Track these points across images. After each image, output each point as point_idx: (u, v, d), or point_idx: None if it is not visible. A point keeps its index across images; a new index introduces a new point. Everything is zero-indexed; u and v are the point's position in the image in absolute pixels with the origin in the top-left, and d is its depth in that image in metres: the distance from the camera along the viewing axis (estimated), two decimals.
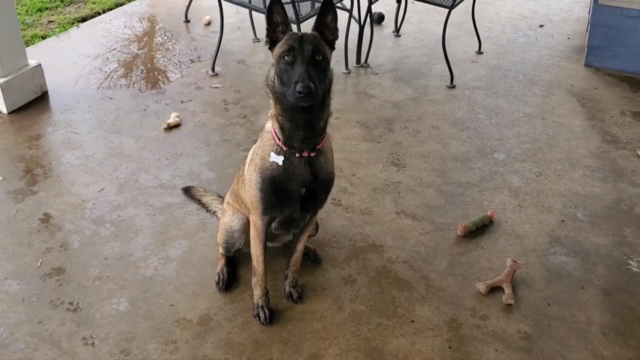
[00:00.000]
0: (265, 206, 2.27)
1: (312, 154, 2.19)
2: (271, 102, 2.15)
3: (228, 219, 2.61)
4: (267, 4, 2.09)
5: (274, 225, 2.40)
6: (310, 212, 2.40)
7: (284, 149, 2.17)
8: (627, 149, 3.76)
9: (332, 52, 2.17)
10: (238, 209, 2.57)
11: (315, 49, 2.03)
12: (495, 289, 2.71)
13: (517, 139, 3.83)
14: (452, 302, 2.66)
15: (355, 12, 4.60)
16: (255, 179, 2.24)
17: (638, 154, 3.70)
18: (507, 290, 2.68)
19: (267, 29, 2.12)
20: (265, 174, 2.22)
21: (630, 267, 2.89)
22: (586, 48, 4.81)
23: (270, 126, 2.22)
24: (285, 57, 2.04)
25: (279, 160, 2.17)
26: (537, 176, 3.49)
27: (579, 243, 3.01)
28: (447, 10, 4.29)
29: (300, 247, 2.54)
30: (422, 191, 3.33)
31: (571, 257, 2.92)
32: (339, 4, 4.43)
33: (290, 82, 2.01)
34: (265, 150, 2.22)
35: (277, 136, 2.17)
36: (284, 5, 2.13)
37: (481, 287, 2.70)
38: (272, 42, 2.13)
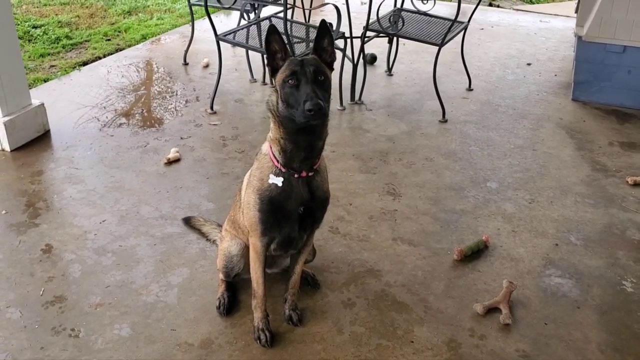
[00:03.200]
0: (264, 227, 2.33)
1: (310, 174, 2.27)
2: (272, 126, 2.23)
3: (227, 244, 2.66)
4: (265, 35, 2.20)
5: (272, 246, 2.45)
6: (308, 231, 2.46)
7: (283, 170, 2.25)
8: (616, 177, 3.86)
9: (331, 72, 2.27)
10: (235, 235, 2.63)
11: (317, 70, 2.14)
12: (492, 310, 2.74)
13: (509, 169, 3.93)
14: (450, 323, 2.69)
15: (349, 52, 4.76)
16: (254, 200, 2.31)
17: (627, 182, 3.79)
18: (505, 310, 2.71)
19: (267, 58, 2.23)
20: (263, 194, 2.29)
21: (624, 287, 2.93)
22: (573, 83, 4.97)
23: (267, 149, 2.30)
24: (290, 81, 2.13)
25: (279, 181, 2.24)
26: (530, 203, 3.57)
27: (573, 265, 3.07)
28: (437, 49, 4.45)
29: (297, 269, 2.58)
30: (418, 218, 3.40)
31: (566, 279, 2.97)
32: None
33: (297, 104, 2.09)
34: (264, 172, 2.29)
35: (276, 158, 2.25)
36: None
37: (479, 308, 2.74)
38: (273, 70, 2.23)
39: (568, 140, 4.33)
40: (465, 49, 5.10)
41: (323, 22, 2.21)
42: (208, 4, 4.42)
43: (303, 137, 2.18)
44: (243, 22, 4.95)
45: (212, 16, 6.71)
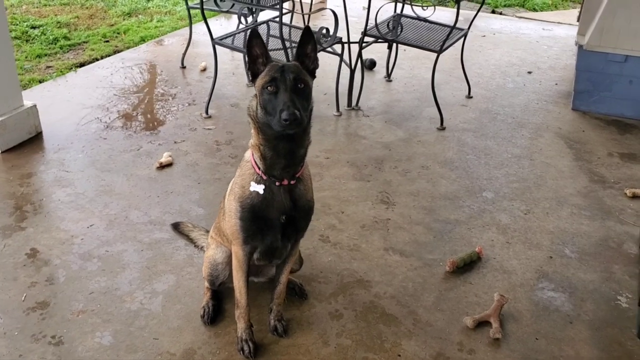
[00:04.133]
0: (245, 235, 2.28)
1: (292, 182, 2.22)
2: (253, 132, 2.20)
3: (212, 252, 2.62)
4: (247, 39, 2.15)
5: (255, 255, 2.40)
6: (292, 241, 2.41)
7: (264, 177, 2.20)
8: (614, 189, 3.79)
9: (313, 80, 2.22)
10: (221, 242, 2.58)
11: (297, 77, 2.09)
12: (482, 324, 2.69)
13: (506, 179, 3.87)
14: (439, 336, 2.63)
15: (346, 58, 4.71)
16: (235, 207, 2.26)
17: (626, 194, 3.73)
18: (495, 324, 2.66)
19: (248, 62, 2.18)
20: (245, 202, 2.24)
21: (619, 302, 2.87)
22: (573, 92, 4.91)
23: (249, 156, 2.26)
24: (269, 88, 2.09)
25: (260, 189, 2.20)
26: (526, 214, 3.51)
27: (567, 279, 3.01)
28: (436, 55, 4.40)
29: (283, 279, 2.53)
30: (411, 228, 3.34)
31: (559, 293, 2.91)
32: (330, 49, 4.55)
33: (275, 112, 2.05)
34: (245, 179, 2.25)
35: (258, 165, 2.20)
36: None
37: (468, 321, 2.68)
38: (253, 75, 2.18)
39: (566, 150, 4.27)
40: (466, 56, 5.05)
41: (307, 28, 2.17)
42: (205, 7, 4.38)
43: (283, 144, 2.13)
44: (241, 26, 4.91)
45: (213, 19, 6.73)
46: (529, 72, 5.64)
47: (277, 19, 4.77)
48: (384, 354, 2.52)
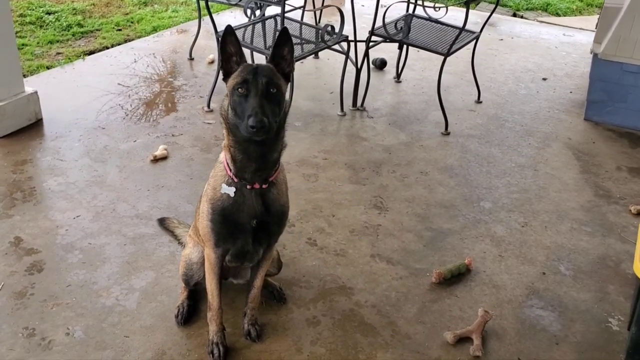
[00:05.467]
0: (217, 237, 2.23)
1: (263, 186, 2.15)
2: (224, 132, 2.14)
3: (188, 251, 2.57)
4: (221, 35, 2.09)
5: (227, 257, 2.34)
6: (264, 245, 2.34)
7: (235, 180, 2.13)
8: (619, 204, 3.66)
9: (287, 84, 2.15)
10: (198, 241, 2.53)
11: (270, 82, 2.02)
12: (464, 340, 2.60)
13: (506, 189, 3.76)
14: (417, 350, 2.55)
15: (353, 56, 4.63)
16: (207, 209, 2.21)
17: (631, 210, 3.59)
18: (476, 341, 2.56)
19: (222, 60, 2.12)
20: (215, 204, 2.18)
21: (610, 325, 2.75)
22: (586, 102, 4.76)
23: (223, 157, 2.20)
24: (239, 89, 2.02)
25: (231, 191, 2.14)
26: (523, 227, 3.40)
27: (558, 297, 2.90)
28: (443, 58, 4.29)
29: (257, 283, 2.47)
30: (402, 235, 3.26)
31: (548, 311, 2.81)
32: (336, 46, 4.47)
33: (243, 115, 1.99)
34: (217, 180, 2.19)
35: (229, 167, 2.14)
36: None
37: (449, 336, 2.59)
38: (225, 73, 2.12)
39: (574, 161, 4.13)
40: (480, 60, 4.94)
41: (284, 29, 2.09)
42: (211, 0, 4.32)
43: (253, 147, 2.07)
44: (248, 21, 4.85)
45: (227, 12, 6.69)
46: (544, 79, 5.49)
47: (287, 15, 4.71)
48: None
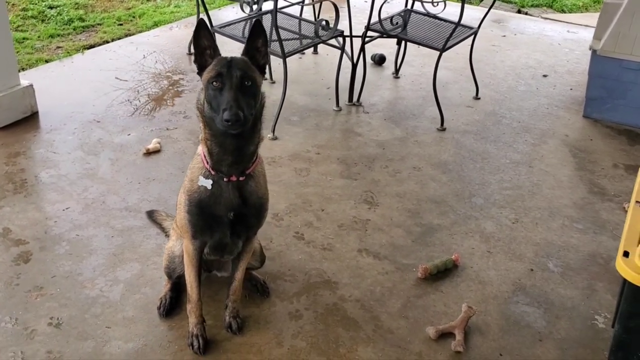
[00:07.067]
0: (194, 230, 2.23)
1: (241, 179, 2.15)
2: (201, 125, 2.14)
3: (171, 243, 2.58)
4: (194, 29, 2.09)
5: (206, 250, 2.35)
6: (243, 238, 2.34)
7: (212, 172, 2.14)
8: (613, 202, 3.62)
9: (262, 76, 2.15)
10: (180, 234, 2.53)
11: (245, 75, 2.02)
12: (446, 335, 2.58)
13: (499, 185, 3.73)
14: (398, 345, 2.54)
15: (349, 51, 4.61)
16: (184, 201, 2.22)
17: (624, 208, 3.55)
18: (458, 337, 2.55)
19: (195, 54, 2.12)
20: (192, 196, 2.19)
21: (595, 322, 2.73)
22: (585, 99, 4.72)
23: (201, 150, 2.20)
24: (214, 83, 2.02)
25: (208, 184, 2.14)
26: (513, 223, 3.38)
27: (545, 294, 2.87)
28: (441, 53, 4.27)
29: (238, 275, 2.47)
30: (390, 230, 3.24)
31: (534, 308, 2.78)
32: (333, 41, 4.45)
33: (218, 109, 1.99)
34: (194, 173, 2.20)
35: (206, 160, 2.14)
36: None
37: (431, 331, 2.58)
38: (200, 67, 2.12)
39: (569, 158, 4.10)
40: (481, 56, 4.91)
41: (257, 21, 2.09)
42: None
43: (229, 140, 2.07)
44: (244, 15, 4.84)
45: (229, 7, 6.68)
46: (544, 76, 5.44)
47: (285, 9, 4.71)
48: (337, 359, 2.44)
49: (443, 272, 2.95)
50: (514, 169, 3.92)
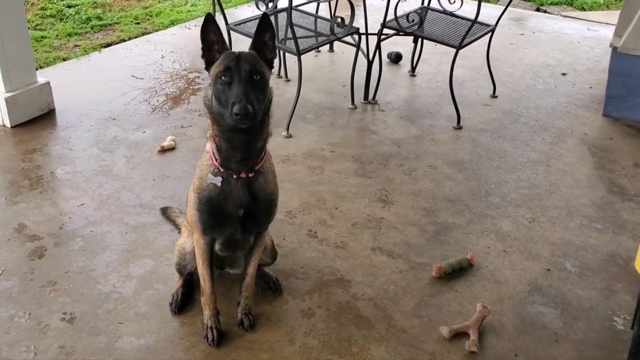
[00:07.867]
0: (204, 226, 2.23)
1: (250, 175, 2.13)
2: (209, 122, 2.13)
3: (182, 240, 2.57)
4: (202, 24, 2.07)
5: (217, 246, 2.34)
6: (254, 234, 2.33)
7: (221, 170, 2.12)
8: (633, 202, 3.55)
9: (270, 71, 2.13)
10: (191, 231, 2.53)
11: (253, 68, 2.00)
12: (460, 335, 2.54)
13: (516, 184, 3.68)
14: (411, 344, 2.51)
15: (364, 48, 4.58)
16: (194, 198, 2.21)
17: None
18: (473, 336, 2.51)
19: (203, 49, 2.11)
20: (202, 194, 2.18)
21: (614, 323, 2.67)
22: (604, 97, 4.64)
23: (209, 147, 2.19)
24: (222, 77, 2.01)
25: (217, 181, 2.13)
26: (530, 222, 3.32)
27: (562, 294, 2.82)
28: (458, 50, 4.22)
29: (250, 271, 2.46)
30: (405, 229, 3.21)
31: (550, 308, 2.73)
32: (348, 39, 4.43)
33: (227, 103, 1.98)
34: (203, 170, 2.19)
35: (215, 157, 2.13)
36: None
37: (445, 331, 2.54)
38: (208, 62, 2.10)
39: (588, 157, 4.03)
40: (499, 55, 4.86)
41: (264, 15, 2.07)
42: None
43: (238, 136, 2.05)
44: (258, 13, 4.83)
45: (244, 6, 6.69)
46: (563, 74, 5.36)
47: (300, 6, 4.69)
48: (349, 358, 2.42)
49: (458, 271, 2.91)
50: (531, 168, 3.86)
